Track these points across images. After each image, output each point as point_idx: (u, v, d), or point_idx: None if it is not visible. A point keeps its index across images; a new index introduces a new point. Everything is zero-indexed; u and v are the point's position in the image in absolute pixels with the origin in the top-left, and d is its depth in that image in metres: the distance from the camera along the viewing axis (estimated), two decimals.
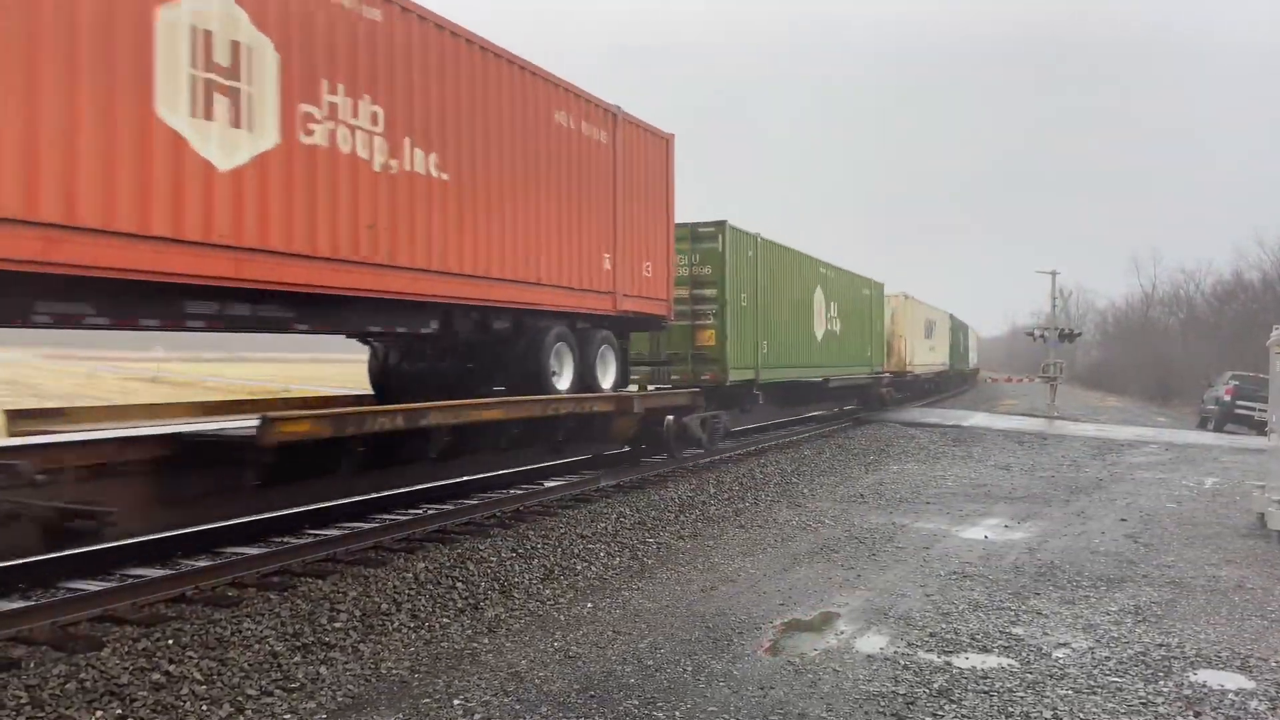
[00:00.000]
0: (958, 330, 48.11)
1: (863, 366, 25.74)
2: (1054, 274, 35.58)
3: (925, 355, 35.54)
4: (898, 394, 30.83)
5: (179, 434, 7.82)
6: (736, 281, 16.68)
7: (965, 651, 6.34)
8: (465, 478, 11.81)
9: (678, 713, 5.26)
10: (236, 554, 8.19)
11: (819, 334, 21.74)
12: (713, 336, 16.23)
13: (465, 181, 9.56)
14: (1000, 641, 6.56)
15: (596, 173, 11.99)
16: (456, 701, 5.40)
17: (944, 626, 6.91)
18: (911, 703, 5.40)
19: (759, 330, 17.83)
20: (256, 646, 5.95)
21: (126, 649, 5.66)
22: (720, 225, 16.36)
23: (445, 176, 9.28)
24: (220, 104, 6.88)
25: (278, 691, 5.47)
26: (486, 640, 6.58)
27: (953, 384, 47.39)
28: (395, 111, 8.58)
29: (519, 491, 11.77)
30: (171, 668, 5.48)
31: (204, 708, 5.15)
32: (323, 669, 5.85)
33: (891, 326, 30.29)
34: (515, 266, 10.43)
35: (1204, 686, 5.73)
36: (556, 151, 11.18)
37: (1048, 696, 5.49)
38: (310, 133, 7.70)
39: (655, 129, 13.68)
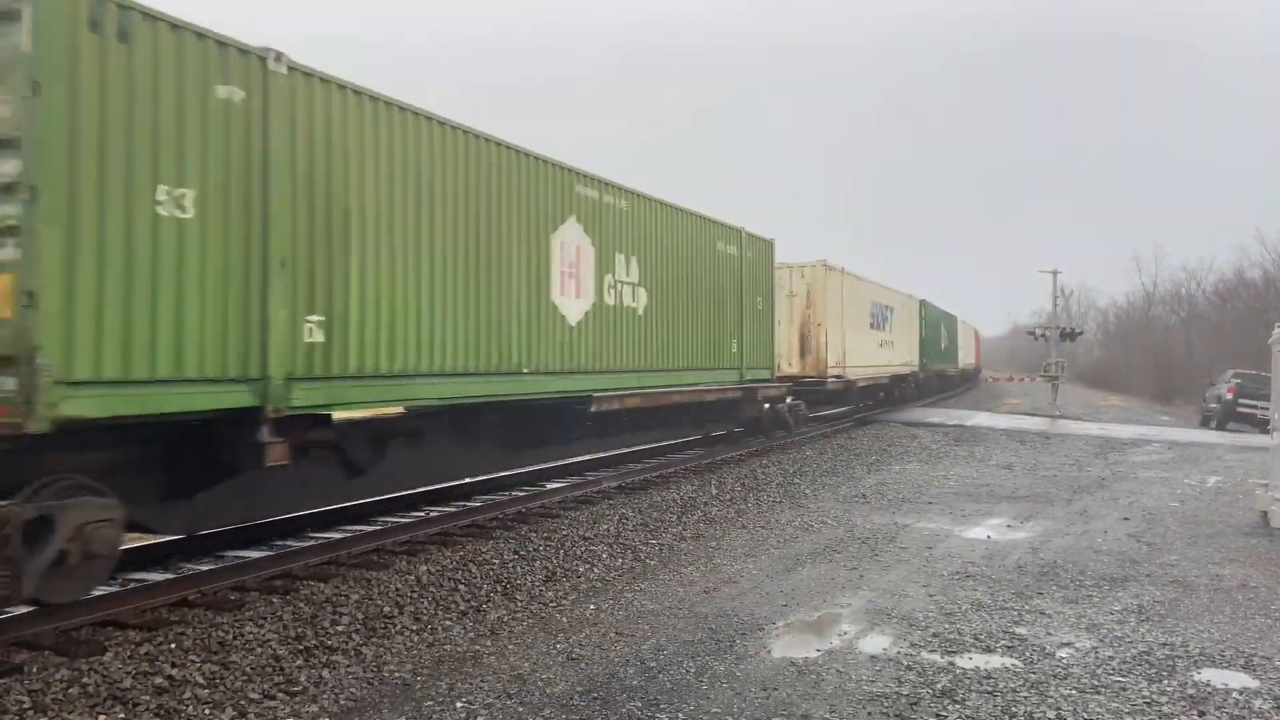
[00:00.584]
0: (935, 321, 37.19)
1: (723, 370, 16.10)
2: (1055, 273, 35.62)
3: (870, 353, 25.67)
4: (813, 411, 22.06)
5: None
6: (114, 136, 6.15)
7: (968, 652, 6.33)
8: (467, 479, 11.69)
9: (681, 714, 5.25)
10: (238, 558, 8.20)
11: (573, 312, 11.47)
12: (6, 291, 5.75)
13: None
14: (1003, 641, 6.55)
15: None
16: (459, 704, 5.39)
17: (947, 627, 6.89)
18: (915, 703, 5.39)
19: (274, 283, 7.28)
20: (259, 650, 5.95)
21: (129, 653, 5.67)
22: None
23: None
24: None
25: (280, 695, 5.47)
26: (489, 642, 6.58)
27: (928, 390, 36.34)
28: None
29: (521, 493, 11.78)
30: (174, 671, 5.49)
31: (206, 711, 5.14)
32: (325, 672, 5.85)
33: (806, 311, 21.57)
34: None
35: (1208, 686, 5.72)
36: None
37: (1051, 696, 5.48)
38: None
39: None
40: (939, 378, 38.84)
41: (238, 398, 7.00)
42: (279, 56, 7.37)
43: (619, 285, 12.65)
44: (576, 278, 11.65)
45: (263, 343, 7.20)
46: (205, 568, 7.85)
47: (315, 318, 7.74)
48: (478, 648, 6.46)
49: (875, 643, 6.52)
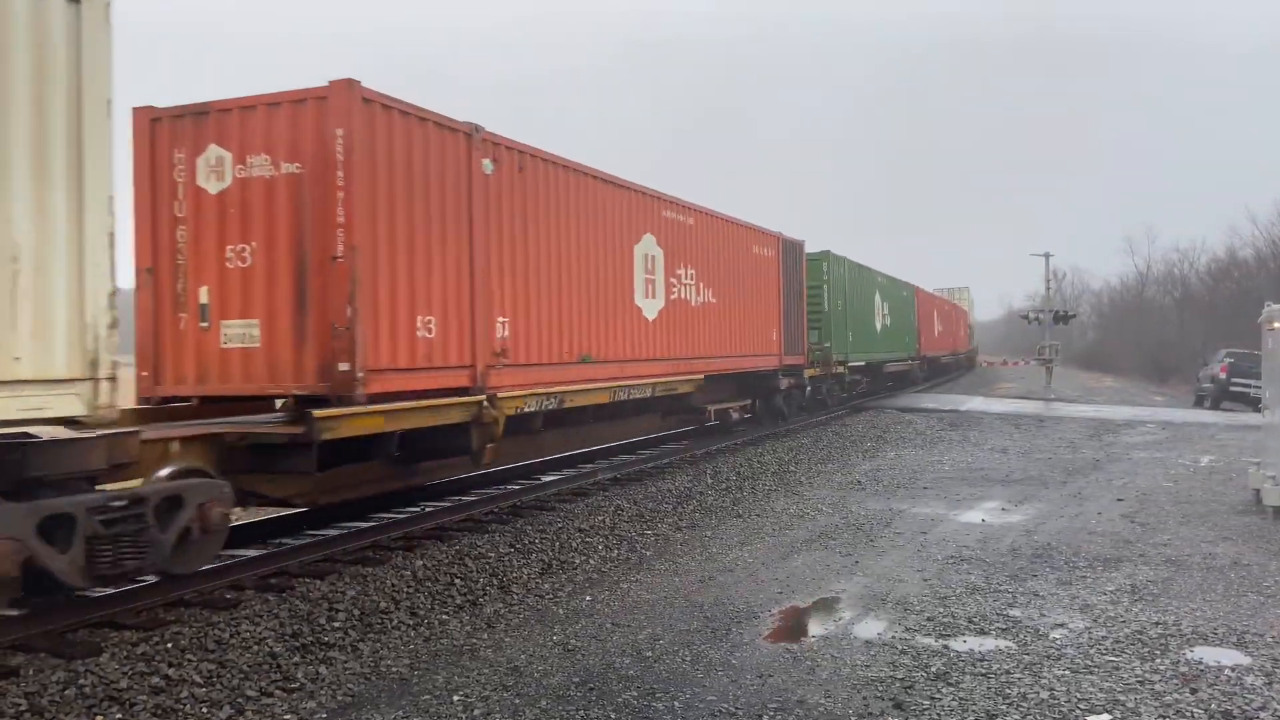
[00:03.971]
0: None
1: None
2: (1047, 256, 35.70)
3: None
4: None
5: None
6: None
7: (963, 635, 6.36)
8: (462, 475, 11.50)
9: (677, 703, 5.27)
10: (234, 556, 8.19)
11: None
12: None
13: None
14: (997, 624, 6.58)
15: None
16: (456, 697, 5.41)
17: (941, 610, 6.93)
18: (909, 687, 5.42)
19: None
20: (255, 648, 5.96)
21: (125, 654, 5.67)
22: None
23: None
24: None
25: (277, 692, 5.48)
26: (485, 636, 6.60)
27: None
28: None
29: (516, 487, 11.79)
30: (171, 671, 5.49)
31: (204, 710, 5.16)
32: (322, 668, 5.86)
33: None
34: None
35: (1200, 664, 5.76)
36: None
37: (1044, 677, 5.52)
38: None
39: None
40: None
41: None
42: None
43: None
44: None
45: None
46: (200, 567, 7.84)
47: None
48: (474, 641, 6.48)
49: (870, 628, 6.56)
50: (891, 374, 30.46)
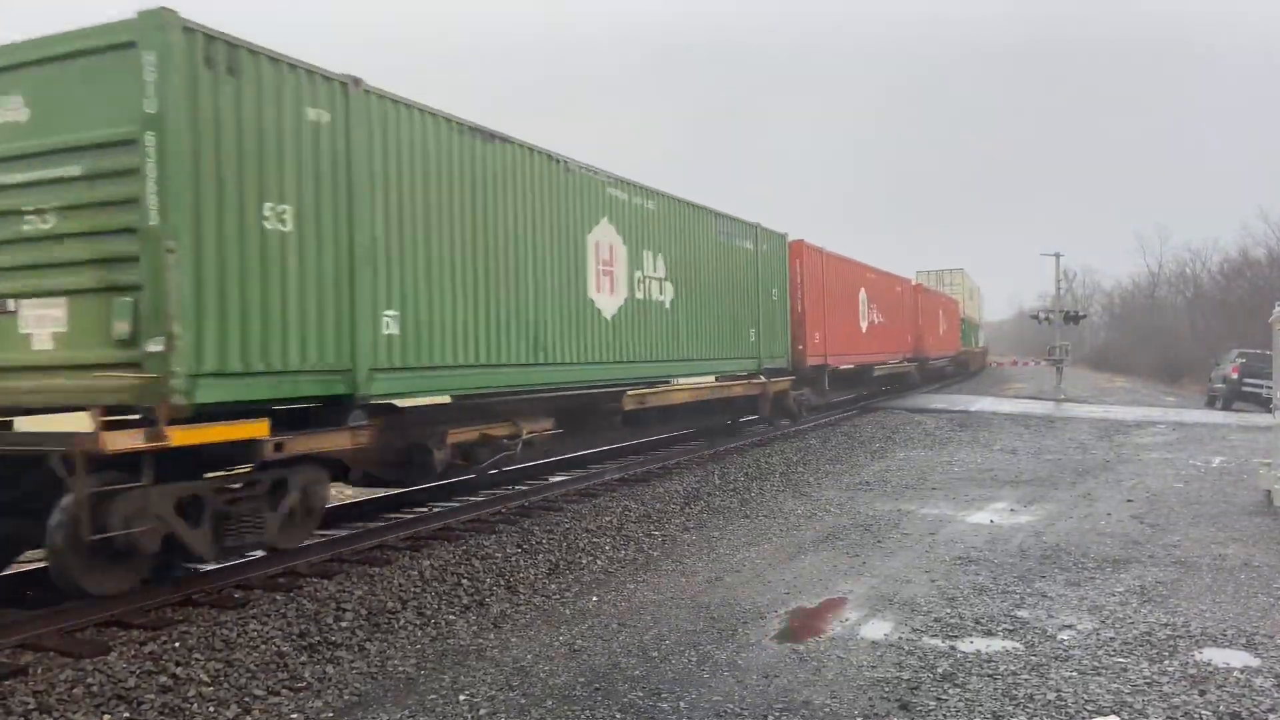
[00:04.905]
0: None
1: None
2: (1058, 256, 35.51)
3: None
4: None
5: None
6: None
7: (970, 636, 6.34)
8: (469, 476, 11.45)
9: (682, 703, 5.27)
10: (242, 556, 8.22)
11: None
12: None
13: None
14: (1005, 625, 6.56)
15: None
16: (462, 697, 5.42)
17: (949, 611, 6.91)
18: (915, 688, 5.40)
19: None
20: (263, 647, 5.98)
21: (133, 653, 5.69)
22: None
23: None
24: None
25: (285, 691, 5.50)
26: (492, 636, 6.61)
27: None
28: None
29: (524, 487, 11.80)
30: (178, 670, 5.52)
31: (211, 709, 5.18)
32: (329, 668, 5.88)
33: None
34: None
35: (1209, 665, 5.73)
36: None
37: (1052, 678, 5.49)
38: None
39: None
40: None
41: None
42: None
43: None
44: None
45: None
46: (209, 566, 7.88)
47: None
48: (481, 641, 6.49)
49: (877, 628, 6.54)
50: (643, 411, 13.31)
